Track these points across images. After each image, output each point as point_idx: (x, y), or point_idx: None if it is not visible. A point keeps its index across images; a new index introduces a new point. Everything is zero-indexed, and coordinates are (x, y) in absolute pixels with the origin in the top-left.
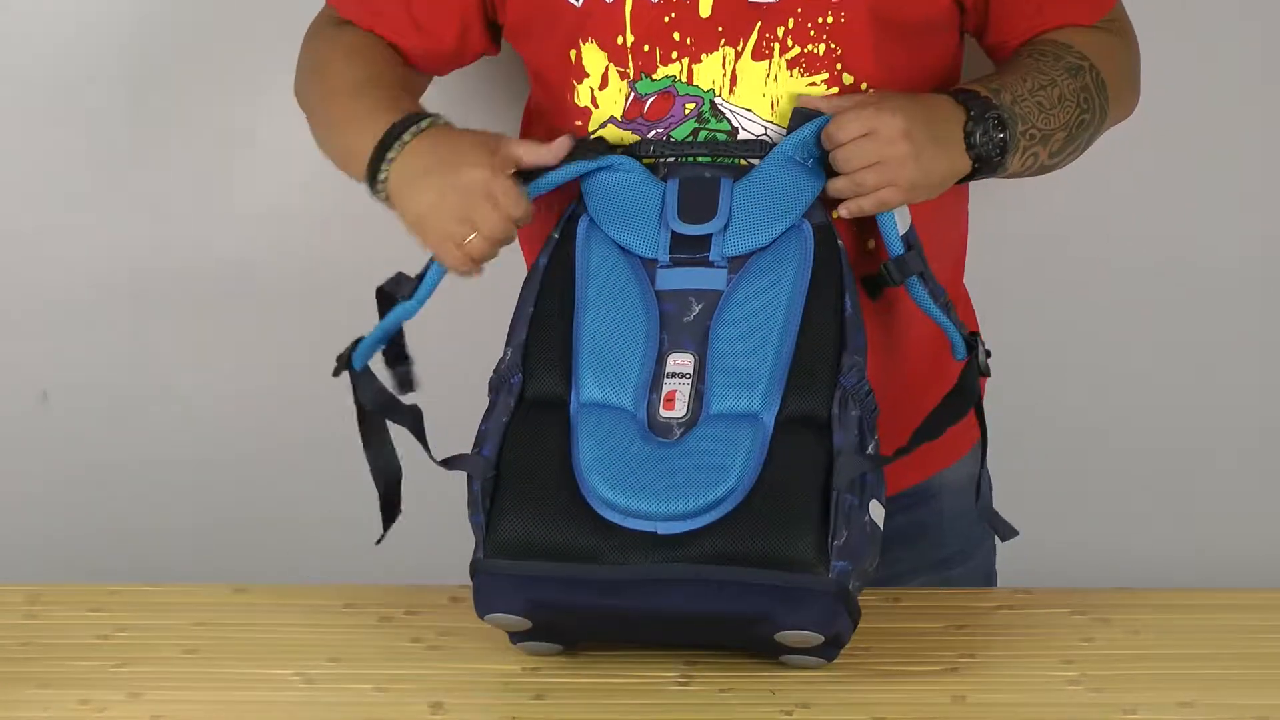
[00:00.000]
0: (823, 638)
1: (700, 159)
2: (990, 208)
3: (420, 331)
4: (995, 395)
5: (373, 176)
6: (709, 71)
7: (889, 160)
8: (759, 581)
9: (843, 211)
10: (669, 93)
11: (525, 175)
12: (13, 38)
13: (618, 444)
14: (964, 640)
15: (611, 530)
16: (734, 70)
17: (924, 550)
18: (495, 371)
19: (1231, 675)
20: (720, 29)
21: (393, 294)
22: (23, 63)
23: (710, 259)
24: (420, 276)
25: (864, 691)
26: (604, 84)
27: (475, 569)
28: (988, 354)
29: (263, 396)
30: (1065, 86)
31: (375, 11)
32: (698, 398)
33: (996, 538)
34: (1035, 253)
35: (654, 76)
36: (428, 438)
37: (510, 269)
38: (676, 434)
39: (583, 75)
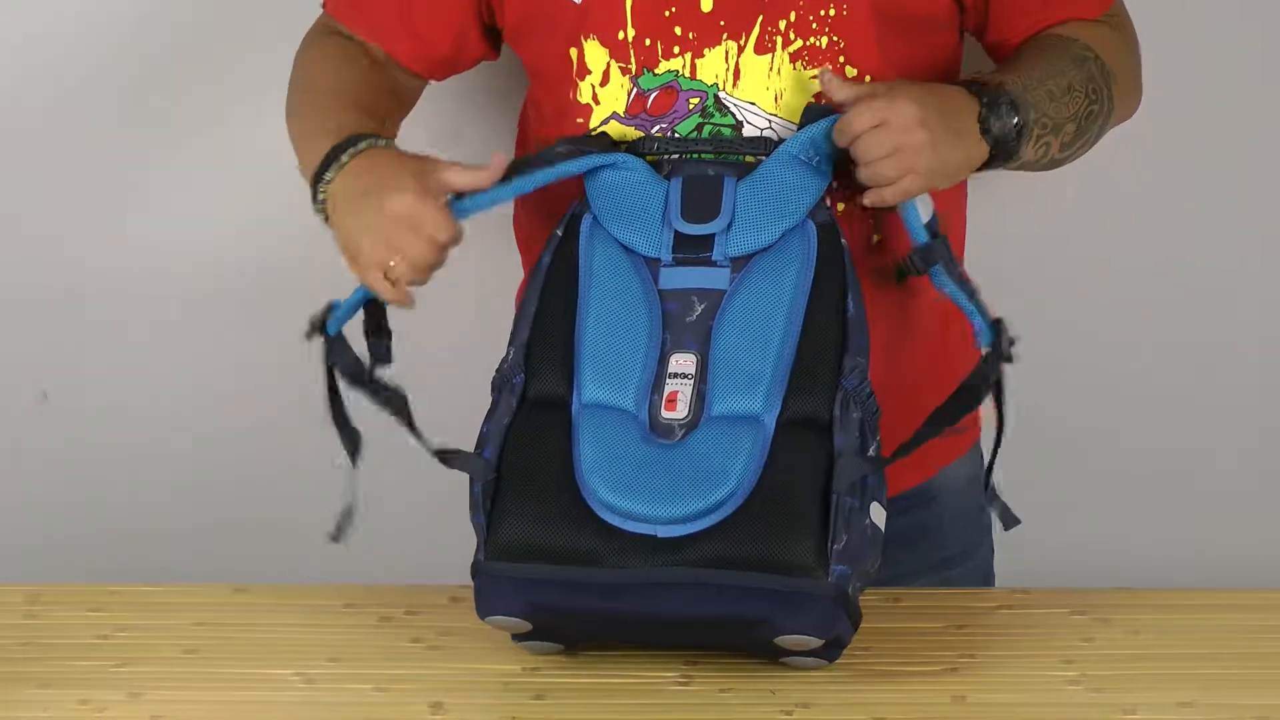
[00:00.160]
0: (822, 641)
1: (704, 156)
2: (990, 207)
3: (421, 330)
4: None
5: (315, 198)
6: (712, 66)
7: (906, 149)
8: (758, 586)
9: (866, 201)
10: (672, 87)
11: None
12: (12, 38)
13: (618, 446)
14: (964, 640)
15: (612, 533)
16: (737, 64)
17: (924, 552)
18: (498, 371)
19: (1231, 675)
20: (722, 23)
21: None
22: (22, 63)
23: (713, 259)
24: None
25: (864, 691)
26: (605, 80)
27: (476, 571)
28: (1012, 341)
29: (263, 396)
30: (1073, 77)
31: (368, 17)
32: (699, 398)
33: (993, 536)
34: (1035, 252)
35: (656, 71)
36: (420, 429)
37: (510, 268)
38: (678, 435)
39: (584, 72)
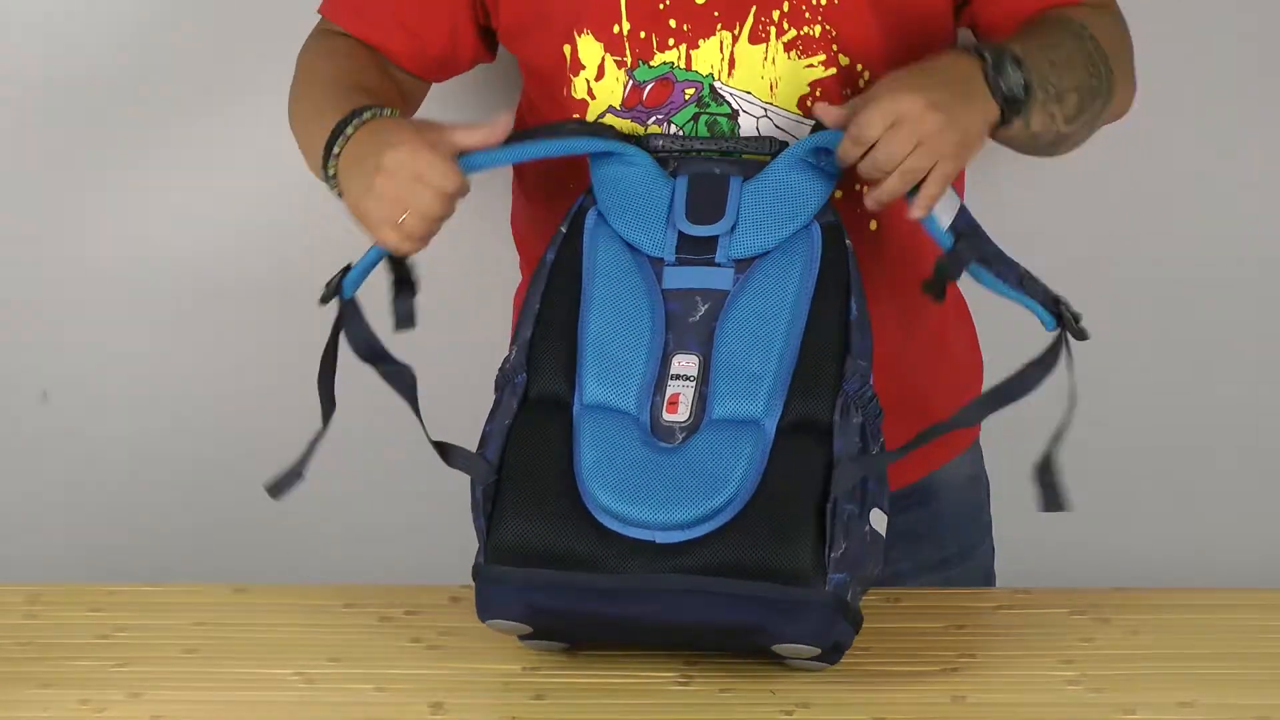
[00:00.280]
0: (819, 650)
1: (708, 154)
2: (990, 207)
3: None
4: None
5: (327, 176)
6: (707, 56)
7: (927, 137)
8: (754, 594)
9: (916, 213)
10: (668, 79)
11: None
12: (12, 38)
13: (618, 450)
14: (964, 640)
15: (610, 538)
16: (732, 54)
17: (925, 550)
18: (500, 370)
19: (1231, 675)
20: (716, 14)
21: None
22: (22, 63)
23: (716, 260)
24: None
25: (864, 691)
26: (600, 75)
27: (476, 574)
28: (1076, 318)
29: (263, 396)
30: (1071, 49)
31: (363, 15)
32: (701, 401)
33: (993, 536)
34: (1035, 252)
35: (651, 64)
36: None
37: (508, 268)
38: (678, 438)
39: (579, 68)
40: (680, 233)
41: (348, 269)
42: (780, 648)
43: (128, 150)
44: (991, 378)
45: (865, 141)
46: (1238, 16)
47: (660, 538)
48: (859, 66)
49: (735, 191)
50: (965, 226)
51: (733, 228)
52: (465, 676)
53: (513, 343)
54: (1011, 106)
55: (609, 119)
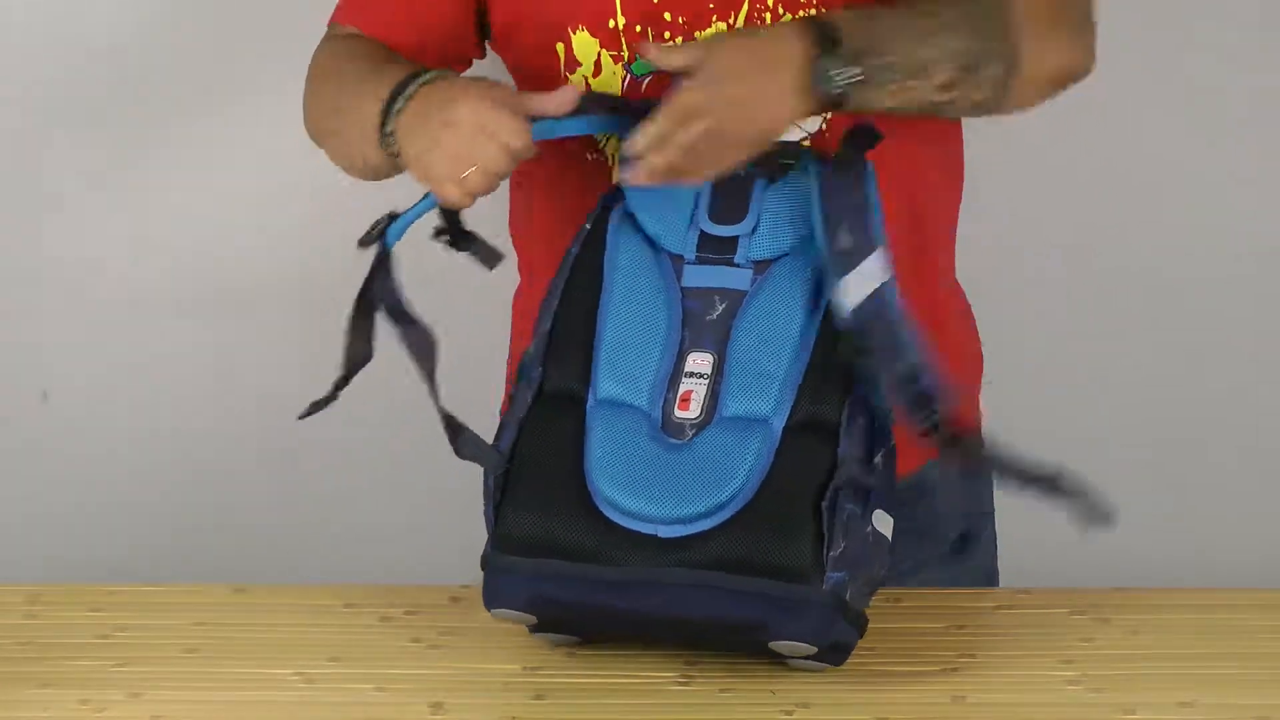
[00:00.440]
0: (815, 649)
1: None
2: (991, 208)
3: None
4: (995, 393)
5: (383, 135)
6: None
7: (711, 148)
8: (752, 589)
9: (629, 179)
10: (666, 72)
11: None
12: (12, 39)
13: (627, 444)
14: (964, 640)
15: (615, 531)
16: None
17: (926, 545)
18: (519, 362)
19: (1231, 675)
20: (711, 5)
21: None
22: (22, 64)
23: (735, 260)
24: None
25: (864, 691)
26: (597, 71)
27: (483, 563)
28: (970, 447)
29: (263, 397)
30: (954, 15)
31: (373, 13)
32: (713, 398)
33: (995, 529)
34: (1035, 252)
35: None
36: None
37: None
38: (688, 435)
39: (574, 65)
40: (702, 231)
41: (394, 216)
42: (777, 645)
43: (128, 150)
44: (991, 369)
45: (672, 125)
46: (1236, 15)
47: (663, 532)
48: None
49: (759, 193)
50: (876, 315)
51: (754, 229)
52: (465, 676)
53: (533, 335)
54: (830, 105)
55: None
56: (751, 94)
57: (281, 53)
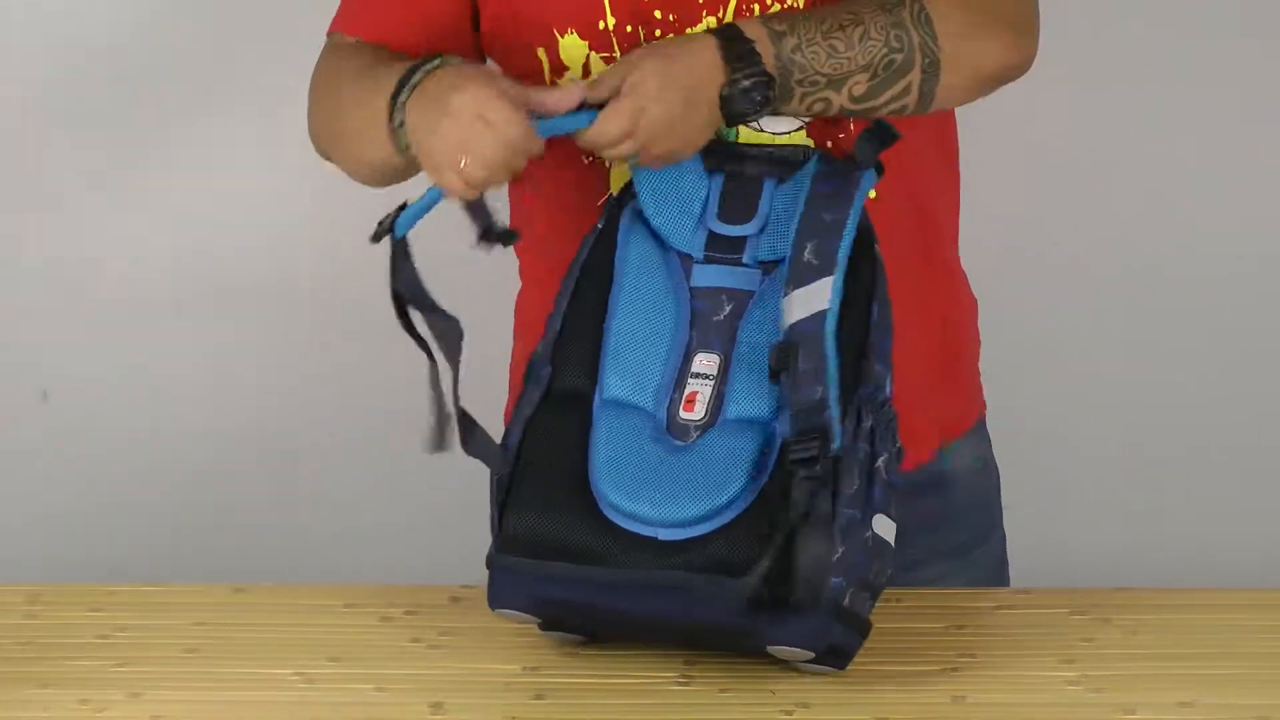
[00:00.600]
0: (812, 653)
1: (750, 154)
2: (993, 211)
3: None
4: (996, 395)
5: (393, 128)
6: None
7: (648, 149)
8: (750, 594)
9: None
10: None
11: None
12: (12, 40)
13: (630, 446)
14: (964, 640)
15: (615, 533)
16: None
17: (940, 537)
18: (529, 361)
19: (1231, 675)
20: (701, 1)
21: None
22: (22, 64)
23: (744, 261)
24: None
25: (864, 691)
26: (586, 74)
27: (488, 562)
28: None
29: (263, 397)
30: (872, 24)
31: (377, 20)
32: (718, 400)
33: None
34: (1038, 254)
35: None
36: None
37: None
38: (692, 436)
39: (562, 69)
40: (710, 231)
41: (403, 206)
42: (775, 649)
43: (128, 150)
44: (991, 369)
45: (597, 149)
46: (1237, 17)
47: (663, 534)
48: None
49: (768, 193)
50: (807, 333)
51: (761, 230)
52: (465, 676)
53: (544, 334)
54: (740, 120)
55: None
56: (669, 118)
57: (281, 53)
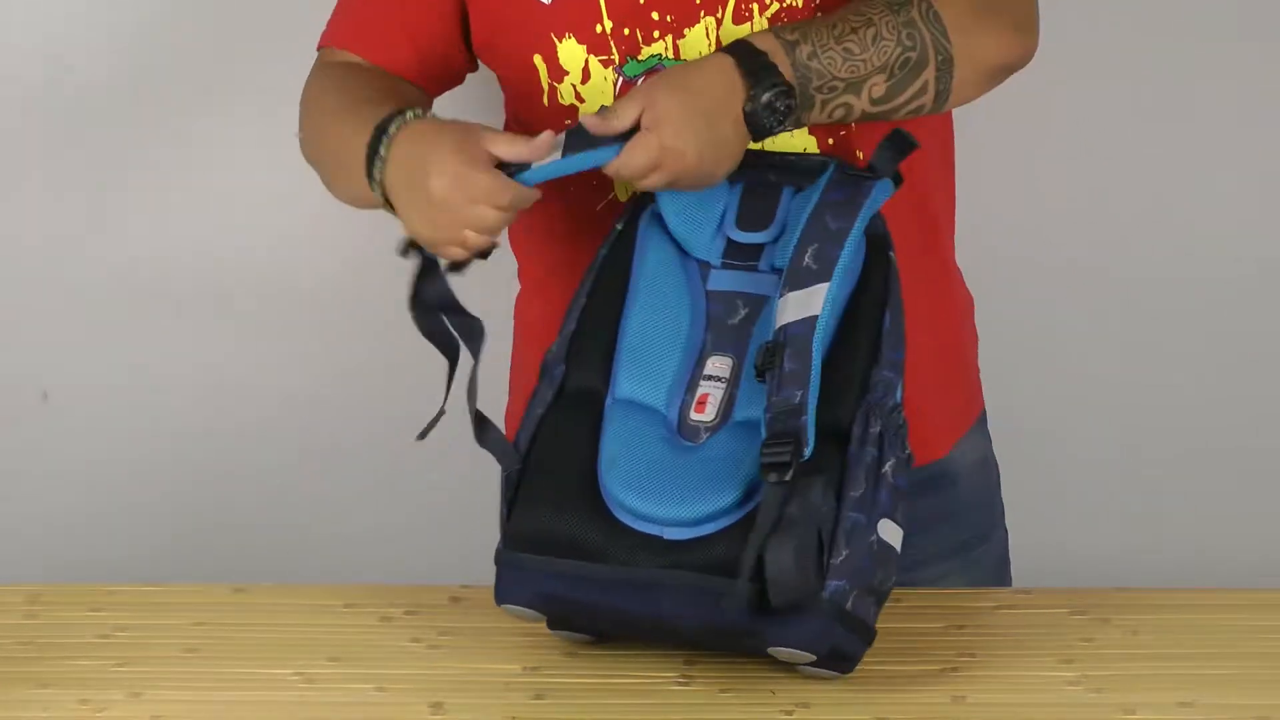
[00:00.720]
0: (814, 656)
1: (771, 163)
2: (991, 211)
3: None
4: (997, 395)
5: (375, 194)
6: (694, 44)
7: (679, 181)
8: (752, 594)
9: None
10: (657, 70)
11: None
12: (13, 41)
13: (639, 445)
14: (964, 640)
15: (622, 531)
16: (718, 38)
17: (944, 534)
18: (542, 360)
19: (1231, 675)
20: (697, 0)
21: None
22: (23, 66)
23: (760, 267)
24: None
25: (864, 691)
26: (586, 78)
27: (495, 558)
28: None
29: (263, 397)
30: (883, 25)
31: (368, 37)
32: (729, 402)
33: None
34: (1037, 254)
35: (639, 58)
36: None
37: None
38: (702, 438)
39: (561, 74)
40: (728, 238)
41: None
42: (776, 651)
43: (127, 151)
44: (991, 369)
45: (627, 177)
46: (1237, 19)
47: (668, 534)
48: None
49: (785, 201)
50: (795, 336)
51: (777, 237)
52: (465, 676)
53: (559, 334)
54: (764, 135)
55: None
56: (698, 149)
57: (282, 53)
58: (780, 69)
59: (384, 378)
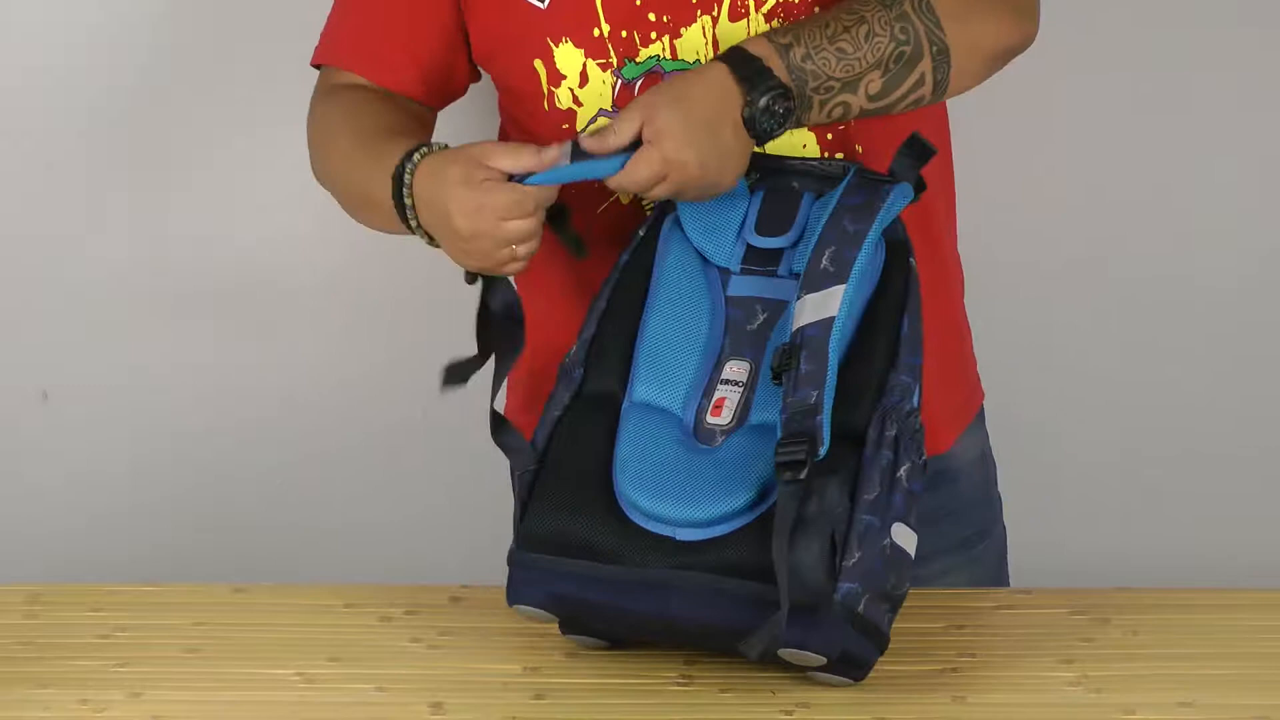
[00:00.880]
0: (825, 659)
1: (792, 169)
2: (992, 211)
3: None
4: (996, 396)
5: (409, 224)
6: (691, 43)
7: (684, 191)
8: (763, 596)
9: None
10: (656, 71)
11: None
12: (15, 41)
13: (653, 447)
14: (964, 640)
15: (634, 532)
16: (715, 36)
17: (944, 531)
18: (560, 364)
19: (1231, 675)
20: (693, 0)
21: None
22: (24, 66)
23: (779, 272)
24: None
25: (864, 691)
26: (584, 81)
27: (509, 559)
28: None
29: (263, 397)
30: (875, 21)
31: (371, 58)
32: (745, 406)
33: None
34: (1037, 254)
35: (637, 60)
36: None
37: None
38: (717, 441)
39: (559, 78)
40: (748, 244)
41: None
42: (786, 653)
43: (127, 152)
44: (991, 369)
45: (631, 190)
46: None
47: (680, 534)
48: None
49: (805, 206)
50: (812, 338)
51: (796, 242)
52: (465, 676)
53: (578, 337)
54: (766, 139)
55: (602, 121)
56: (700, 160)
57: (282, 53)
58: (775, 72)
59: (384, 378)
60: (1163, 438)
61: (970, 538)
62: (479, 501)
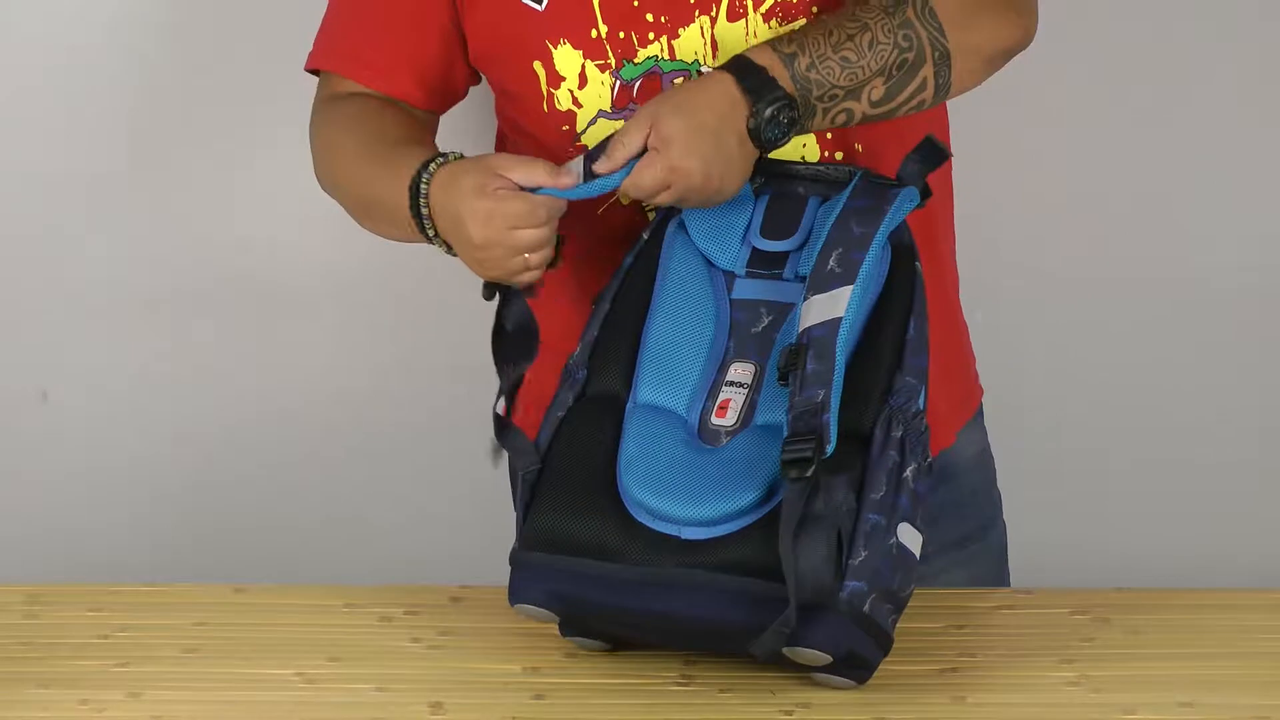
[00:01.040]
0: (830, 658)
1: (798, 174)
2: (993, 211)
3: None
4: (996, 396)
5: (426, 234)
6: (689, 44)
7: (688, 198)
8: (768, 594)
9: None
10: (654, 73)
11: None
12: (16, 41)
13: (658, 446)
14: (964, 640)
15: (639, 531)
16: (713, 37)
17: (945, 529)
18: (564, 365)
19: (1231, 675)
20: (691, 1)
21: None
22: (25, 66)
23: (784, 275)
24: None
25: (864, 691)
26: (583, 83)
27: (510, 558)
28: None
29: (263, 397)
30: (878, 28)
31: (370, 65)
32: (751, 407)
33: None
34: (1037, 255)
35: (635, 61)
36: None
37: None
38: (722, 441)
39: (558, 80)
40: (753, 248)
41: None
42: (792, 652)
43: (129, 151)
44: (991, 369)
45: (636, 196)
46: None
47: (685, 533)
48: None
49: (811, 210)
50: (818, 338)
51: (802, 245)
52: (465, 676)
53: (581, 340)
54: (772, 148)
55: (601, 123)
56: (704, 169)
57: (283, 53)
58: (780, 82)
59: (384, 378)
60: (1163, 438)
61: (971, 534)
62: (479, 501)
